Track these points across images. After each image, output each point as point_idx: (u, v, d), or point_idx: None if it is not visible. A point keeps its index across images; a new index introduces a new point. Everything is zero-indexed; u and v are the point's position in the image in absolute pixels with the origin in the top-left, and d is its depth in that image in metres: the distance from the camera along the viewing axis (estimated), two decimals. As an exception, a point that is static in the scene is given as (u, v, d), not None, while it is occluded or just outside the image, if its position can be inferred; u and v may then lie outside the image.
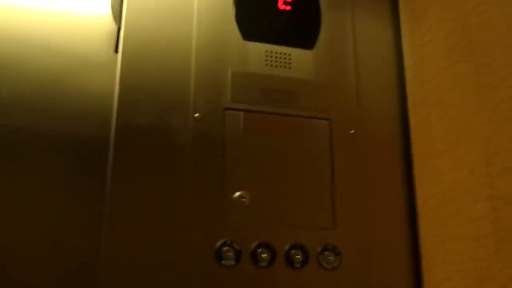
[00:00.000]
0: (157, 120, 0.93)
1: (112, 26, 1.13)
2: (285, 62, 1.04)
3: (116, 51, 1.02)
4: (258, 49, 1.03)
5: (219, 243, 0.89)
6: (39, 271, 0.94)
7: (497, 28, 0.89)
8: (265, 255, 0.89)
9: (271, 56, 1.03)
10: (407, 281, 0.98)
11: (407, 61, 1.12)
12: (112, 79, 0.97)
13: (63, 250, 0.95)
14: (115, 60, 0.98)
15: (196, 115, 0.95)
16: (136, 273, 0.85)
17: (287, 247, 0.91)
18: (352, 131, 1.03)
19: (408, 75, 1.11)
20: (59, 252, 0.95)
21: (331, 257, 0.93)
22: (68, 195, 0.97)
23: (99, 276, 0.84)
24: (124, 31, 0.97)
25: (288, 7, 1.08)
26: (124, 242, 0.86)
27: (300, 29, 1.07)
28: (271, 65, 1.03)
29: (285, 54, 1.04)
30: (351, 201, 0.99)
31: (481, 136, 0.90)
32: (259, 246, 0.90)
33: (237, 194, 0.91)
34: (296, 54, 1.05)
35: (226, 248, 0.88)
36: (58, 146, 1.00)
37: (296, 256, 0.91)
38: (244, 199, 0.91)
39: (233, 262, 0.88)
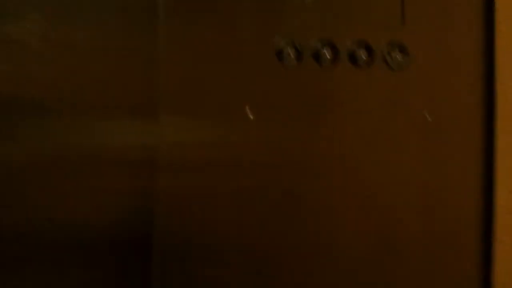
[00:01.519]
0: None
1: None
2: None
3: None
4: None
5: (279, 42, 0.84)
6: None
7: None
8: (327, 53, 0.85)
9: None
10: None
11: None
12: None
13: None
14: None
15: None
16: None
17: (350, 45, 0.86)
18: None
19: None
20: None
21: (399, 57, 0.87)
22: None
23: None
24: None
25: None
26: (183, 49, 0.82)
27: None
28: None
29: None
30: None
31: None
32: (320, 44, 0.85)
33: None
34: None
35: (286, 47, 0.84)
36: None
37: (361, 55, 0.86)
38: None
39: (294, 62, 0.84)
